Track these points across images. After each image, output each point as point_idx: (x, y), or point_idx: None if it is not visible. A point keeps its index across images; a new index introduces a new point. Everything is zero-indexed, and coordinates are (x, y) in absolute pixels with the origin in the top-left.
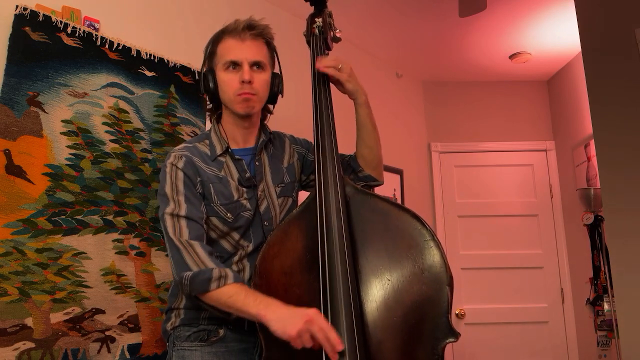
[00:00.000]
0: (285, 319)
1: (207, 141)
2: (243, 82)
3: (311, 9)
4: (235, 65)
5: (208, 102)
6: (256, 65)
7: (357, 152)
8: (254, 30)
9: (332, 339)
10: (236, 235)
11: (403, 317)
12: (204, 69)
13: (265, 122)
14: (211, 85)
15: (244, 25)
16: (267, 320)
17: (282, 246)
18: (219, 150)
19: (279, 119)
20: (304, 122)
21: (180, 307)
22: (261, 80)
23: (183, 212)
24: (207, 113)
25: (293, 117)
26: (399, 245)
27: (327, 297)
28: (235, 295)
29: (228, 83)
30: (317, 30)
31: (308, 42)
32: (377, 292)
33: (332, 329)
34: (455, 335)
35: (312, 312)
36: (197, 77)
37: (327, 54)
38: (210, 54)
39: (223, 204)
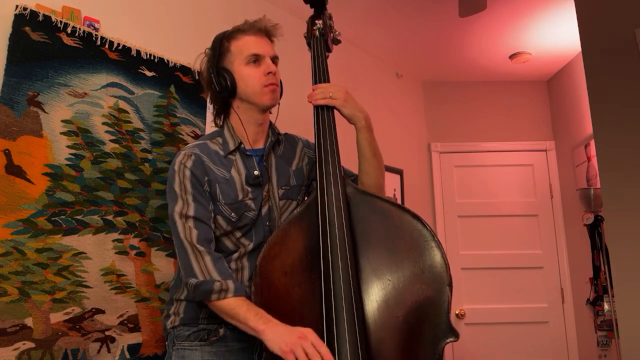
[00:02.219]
0: (280, 336)
1: (219, 139)
2: (269, 73)
3: (311, 11)
4: (257, 59)
5: (212, 104)
6: (273, 59)
7: (358, 176)
8: (269, 29)
9: (324, 354)
10: (238, 234)
11: (404, 317)
12: (213, 69)
13: (273, 123)
14: (229, 81)
15: (261, 24)
16: (264, 337)
17: (283, 246)
18: (231, 146)
19: (280, 118)
20: (304, 122)
21: (181, 299)
22: (278, 73)
23: (192, 212)
24: (214, 115)
25: (293, 117)
26: (399, 245)
27: (328, 297)
28: (237, 308)
29: (253, 76)
30: (317, 33)
31: (308, 44)
32: (377, 292)
33: (324, 346)
34: (455, 334)
35: (306, 330)
36: (197, 77)
37: (328, 56)
38: (222, 52)
39: (228, 203)
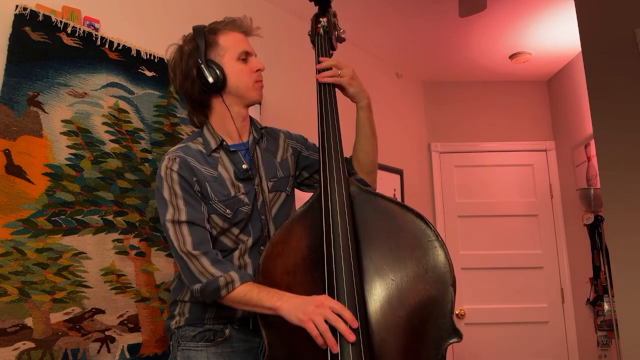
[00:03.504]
0: (297, 306)
1: (199, 139)
2: (258, 70)
3: (315, 9)
4: (246, 56)
5: (188, 100)
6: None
7: (353, 155)
8: (252, 31)
9: (346, 317)
10: (236, 231)
11: (407, 317)
12: (202, 60)
13: (256, 120)
14: (220, 75)
15: (247, 25)
16: (281, 310)
17: (286, 245)
18: (213, 145)
19: (282, 117)
20: (306, 120)
21: (185, 300)
22: None
23: (183, 217)
24: (189, 114)
25: (295, 115)
26: (403, 245)
27: (331, 296)
28: (249, 293)
29: (246, 72)
30: (322, 30)
31: (313, 42)
32: (380, 291)
33: (345, 308)
34: (459, 335)
35: (322, 297)
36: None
37: (332, 54)
38: (210, 44)
39: (221, 200)
